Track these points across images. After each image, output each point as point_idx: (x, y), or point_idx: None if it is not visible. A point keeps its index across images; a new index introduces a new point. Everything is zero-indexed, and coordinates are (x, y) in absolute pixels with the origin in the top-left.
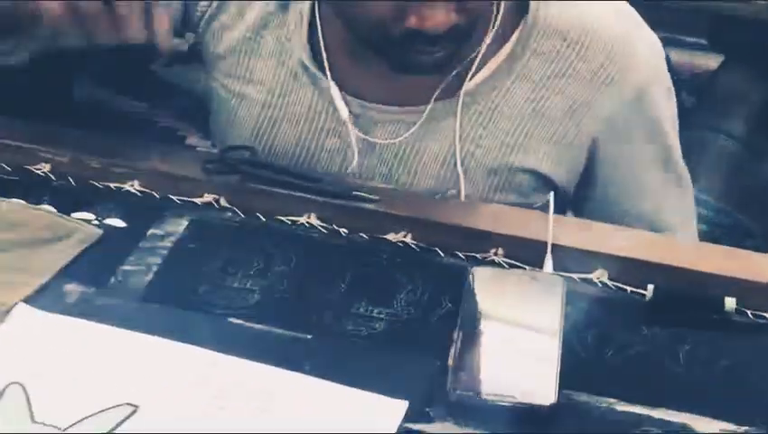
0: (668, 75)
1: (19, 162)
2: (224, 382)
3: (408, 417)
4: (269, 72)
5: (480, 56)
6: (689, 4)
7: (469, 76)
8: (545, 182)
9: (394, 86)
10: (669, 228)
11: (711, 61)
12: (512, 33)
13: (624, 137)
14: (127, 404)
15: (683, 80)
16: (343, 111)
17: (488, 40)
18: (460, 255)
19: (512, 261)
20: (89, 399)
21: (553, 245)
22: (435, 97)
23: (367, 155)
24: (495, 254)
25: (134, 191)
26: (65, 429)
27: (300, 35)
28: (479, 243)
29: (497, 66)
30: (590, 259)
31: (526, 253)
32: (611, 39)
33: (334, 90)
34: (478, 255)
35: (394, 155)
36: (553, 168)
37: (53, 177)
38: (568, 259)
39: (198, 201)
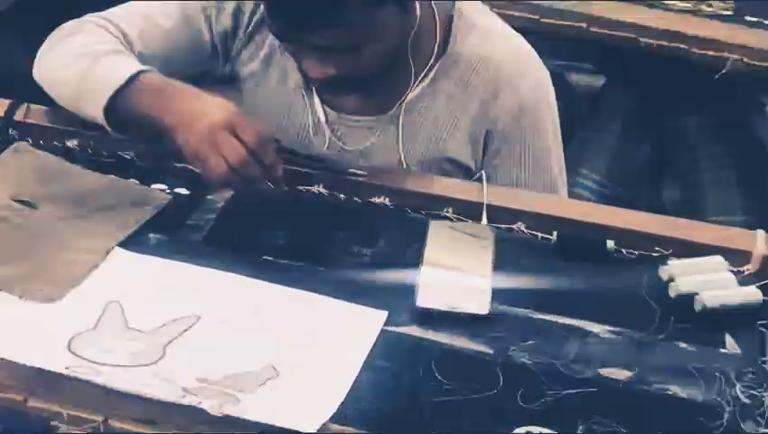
0: (550, 100)
1: (113, 149)
2: (258, 298)
3: (387, 323)
4: (276, 87)
5: (413, 84)
6: (582, 37)
7: (404, 97)
8: (463, 169)
9: (357, 103)
10: None
11: (598, 81)
12: (436, 62)
13: (503, 141)
14: (193, 315)
15: (581, 94)
16: (321, 115)
17: (418, 80)
18: (422, 212)
19: (459, 216)
20: (166, 311)
21: (487, 205)
22: (381, 110)
23: (341, 147)
24: (448, 212)
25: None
26: (150, 332)
27: (293, 64)
28: (436, 204)
29: (421, 89)
30: (512, 214)
31: (469, 211)
32: (504, 69)
33: (317, 104)
34: (435, 212)
35: (361, 151)
36: (468, 159)
37: (137, 159)
38: (497, 214)
39: None
